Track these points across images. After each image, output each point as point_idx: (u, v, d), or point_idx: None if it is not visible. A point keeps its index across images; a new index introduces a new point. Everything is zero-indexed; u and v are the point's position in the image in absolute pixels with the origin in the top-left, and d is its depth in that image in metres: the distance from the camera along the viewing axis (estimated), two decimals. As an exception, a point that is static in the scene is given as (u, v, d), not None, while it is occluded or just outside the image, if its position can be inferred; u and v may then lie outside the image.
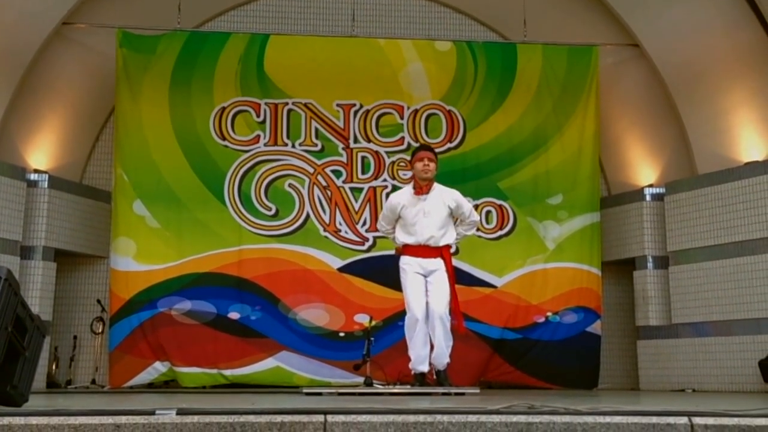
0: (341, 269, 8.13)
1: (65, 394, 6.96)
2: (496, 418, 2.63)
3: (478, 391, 5.90)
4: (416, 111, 8.53)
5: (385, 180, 8.34)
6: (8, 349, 3.16)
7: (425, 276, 5.94)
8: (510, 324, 8.08)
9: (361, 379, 6.11)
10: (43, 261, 7.84)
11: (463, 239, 6.47)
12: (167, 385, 7.91)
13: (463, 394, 5.42)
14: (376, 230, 7.33)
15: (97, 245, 8.43)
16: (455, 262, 7.59)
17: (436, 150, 6.47)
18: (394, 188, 7.88)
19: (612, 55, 8.83)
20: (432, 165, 6.00)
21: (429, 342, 5.84)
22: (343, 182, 8.32)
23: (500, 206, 8.38)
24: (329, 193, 8.29)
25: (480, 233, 8.17)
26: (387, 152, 8.41)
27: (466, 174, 8.31)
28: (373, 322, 6.47)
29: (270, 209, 8.21)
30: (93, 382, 8.19)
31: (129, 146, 8.12)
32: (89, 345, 8.44)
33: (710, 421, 2.66)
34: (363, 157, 8.40)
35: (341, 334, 7.90)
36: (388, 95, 8.51)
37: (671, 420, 2.65)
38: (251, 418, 2.59)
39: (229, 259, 8.03)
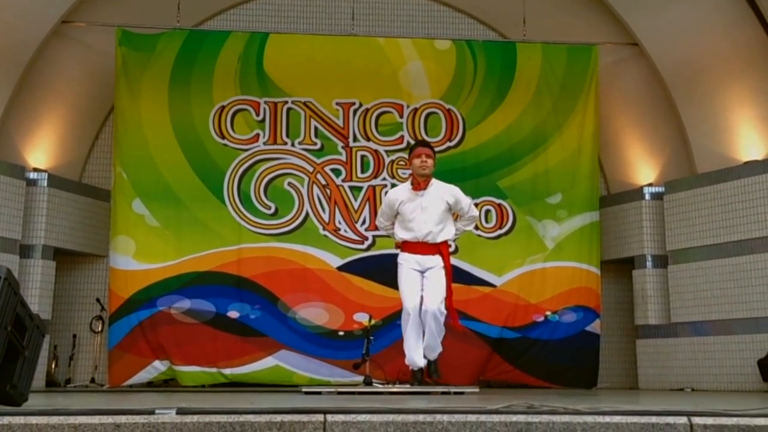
0: (340, 268, 8.13)
1: (64, 393, 6.96)
2: (495, 418, 2.63)
3: (477, 390, 5.93)
4: (416, 110, 8.52)
5: (384, 179, 8.34)
6: (8, 349, 3.16)
7: (422, 272, 5.95)
8: (509, 323, 8.08)
9: (360, 378, 6.12)
10: (43, 260, 7.84)
11: (462, 235, 6.47)
12: (166, 384, 7.91)
13: (462, 393, 5.44)
14: (376, 229, 7.34)
15: (96, 244, 8.43)
16: (454, 261, 7.62)
17: (436, 149, 6.47)
18: (393, 187, 7.87)
19: (611, 54, 8.83)
20: (430, 161, 6.00)
21: (422, 337, 5.86)
22: (343, 181, 8.32)
23: (499, 205, 8.38)
24: (329, 191, 8.28)
25: (479, 232, 8.18)
26: (386, 151, 8.41)
27: (466, 173, 8.30)
28: (373, 321, 6.48)
29: (269, 208, 8.20)
30: (92, 380, 8.19)
31: (128, 145, 8.12)
32: (88, 344, 8.44)
33: (710, 421, 2.66)
34: (362, 156, 8.39)
35: (341, 333, 7.91)
36: (387, 94, 8.50)
37: (671, 420, 2.65)
38: (251, 417, 2.59)
39: (229, 257, 8.03)
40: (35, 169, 8.05)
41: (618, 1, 8.57)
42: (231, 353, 7.81)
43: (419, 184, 6.03)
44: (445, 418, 2.62)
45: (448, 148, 8.42)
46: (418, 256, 5.96)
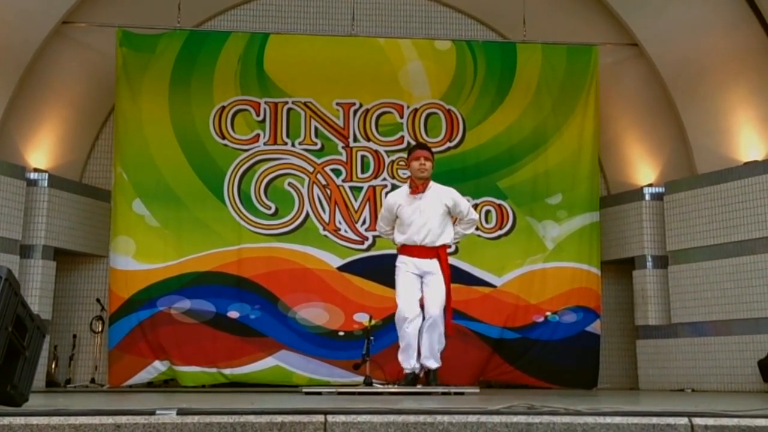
0: (341, 268, 8.13)
1: (65, 393, 6.96)
2: (496, 419, 2.63)
3: (477, 390, 5.92)
4: (416, 110, 8.52)
5: (384, 179, 8.34)
6: (8, 349, 3.16)
7: (420, 276, 5.95)
8: (509, 323, 8.08)
9: (360, 379, 6.11)
10: (43, 260, 7.83)
11: (462, 238, 6.46)
12: (166, 384, 7.91)
13: (462, 393, 5.44)
14: (376, 230, 7.34)
15: (96, 244, 8.43)
16: (454, 261, 7.63)
17: (436, 149, 6.48)
18: (394, 187, 7.86)
19: (611, 55, 8.83)
20: (428, 164, 6.01)
21: (416, 342, 5.85)
22: (343, 181, 8.32)
23: (499, 206, 8.38)
24: (329, 192, 8.29)
25: (479, 232, 8.17)
26: (386, 151, 8.41)
27: (466, 173, 8.30)
28: (373, 322, 6.47)
29: (269, 208, 8.20)
30: (92, 381, 8.19)
31: (129, 145, 8.12)
32: (89, 344, 8.44)
33: (710, 421, 2.66)
34: (362, 156, 8.39)
35: (341, 333, 7.91)
36: (387, 94, 8.50)
37: (671, 420, 2.65)
38: (251, 418, 2.59)
39: (229, 258, 8.03)
40: (36, 170, 8.05)
41: (618, 1, 8.57)
42: (231, 353, 7.81)
43: (417, 187, 6.03)
44: (446, 418, 2.62)
45: (449, 148, 8.42)
46: (417, 260, 5.96)
